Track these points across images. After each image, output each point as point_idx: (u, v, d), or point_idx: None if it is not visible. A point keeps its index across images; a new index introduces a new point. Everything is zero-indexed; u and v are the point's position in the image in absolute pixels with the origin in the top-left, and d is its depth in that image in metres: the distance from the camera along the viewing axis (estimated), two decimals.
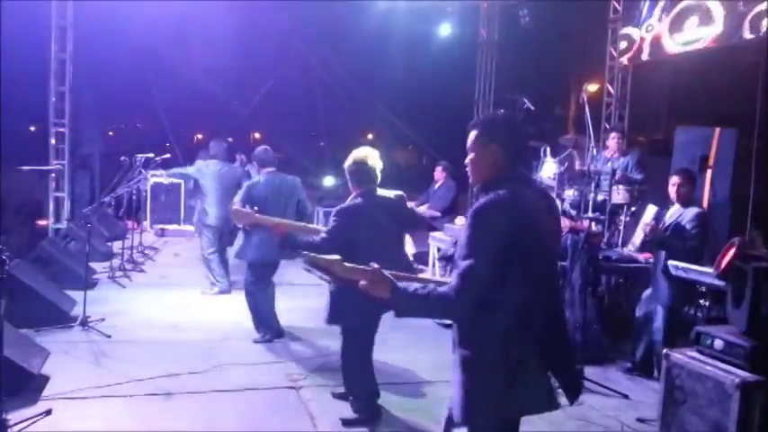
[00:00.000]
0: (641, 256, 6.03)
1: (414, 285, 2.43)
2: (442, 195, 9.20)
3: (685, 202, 5.25)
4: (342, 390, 4.62)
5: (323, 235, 4.12)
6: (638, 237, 5.43)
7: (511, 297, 2.37)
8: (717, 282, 4.10)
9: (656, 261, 5.29)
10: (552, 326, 2.49)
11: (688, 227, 5.10)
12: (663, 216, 5.27)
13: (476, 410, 2.44)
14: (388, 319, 4.35)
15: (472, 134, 2.60)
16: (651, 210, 5.33)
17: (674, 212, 5.26)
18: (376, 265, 2.47)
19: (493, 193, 2.43)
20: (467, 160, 2.62)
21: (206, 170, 7.71)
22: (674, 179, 5.30)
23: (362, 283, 2.46)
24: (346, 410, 4.44)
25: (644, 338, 5.44)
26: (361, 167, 4.28)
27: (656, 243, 5.20)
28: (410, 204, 9.36)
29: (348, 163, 4.32)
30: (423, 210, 9.25)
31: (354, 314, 4.14)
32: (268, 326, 6.06)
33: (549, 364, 2.48)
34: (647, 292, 5.49)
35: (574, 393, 2.56)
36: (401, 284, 2.42)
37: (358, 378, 4.38)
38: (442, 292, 2.35)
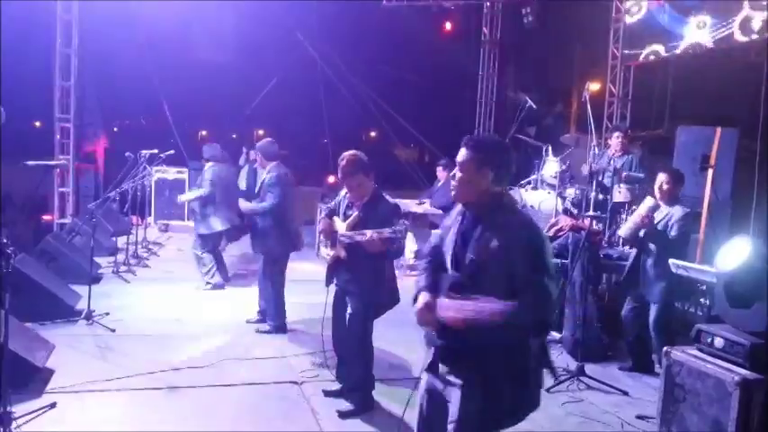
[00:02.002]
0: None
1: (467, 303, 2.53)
2: (444, 193, 9.26)
3: (669, 200, 5.30)
4: (334, 387, 4.67)
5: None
6: (628, 226, 5.44)
7: None
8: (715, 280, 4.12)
9: (645, 256, 5.32)
10: None
11: (676, 225, 5.16)
12: (657, 208, 5.30)
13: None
14: (387, 314, 4.41)
15: (465, 153, 2.65)
16: (649, 202, 5.35)
17: (662, 210, 5.29)
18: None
19: (520, 218, 2.65)
20: (455, 175, 2.68)
21: (206, 177, 7.68)
22: (661, 177, 5.35)
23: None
24: (344, 405, 4.49)
25: (635, 335, 5.48)
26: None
27: (649, 236, 5.23)
28: (413, 201, 9.48)
29: (362, 160, 4.29)
30: (425, 206, 9.31)
31: (375, 299, 4.28)
32: (278, 316, 6.16)
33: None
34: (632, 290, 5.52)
35: None
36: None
37: (360, 365, 4.43)
38: (524, 315, 2.48)
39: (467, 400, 2.57)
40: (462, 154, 2.66)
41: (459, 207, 2.81)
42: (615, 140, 7.47)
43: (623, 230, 5.49)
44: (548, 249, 2.57)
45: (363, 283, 4.28)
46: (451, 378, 2.66)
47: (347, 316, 4.41)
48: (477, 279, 2.58)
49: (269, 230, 6.08)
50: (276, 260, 6.20)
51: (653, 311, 5.28)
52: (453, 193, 2.71)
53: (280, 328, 6.15)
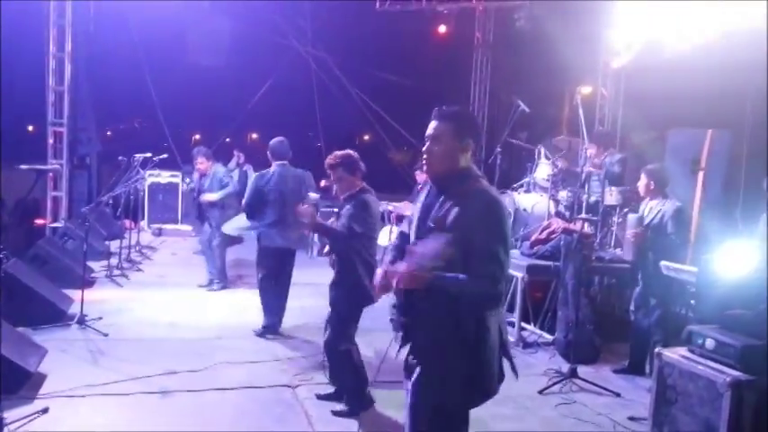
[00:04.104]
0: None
1: (448, 274, 2.44)
2: None
3: (656, 196, 5.38)
4: (329, 391, 4.67)
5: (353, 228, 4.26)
6: (628, 248, 5.52)
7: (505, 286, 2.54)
8: None
9: (645, 260, 5.35)
10: None
11: (669, 223, 5.22)
12: (642, 221, 5.35)
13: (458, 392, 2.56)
14: (382, 316, 4.42)
15: (442, 124, 2.60)
16: (632, 217, 5.45)
17: (653, 207, 5.36)
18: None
19: (487, 191, 2.54)
20: (428, 149, 2.61)
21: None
22: (642, 178, 5.47)
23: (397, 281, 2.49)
24: (338, 407, 4.50)
25: (641, 339, 5.51)
26: (360, 161, 4.44)
27: (651, 246, 5.27)
28: (407, 204, 9.50)
29: (346, 158, 4.40)
30: (403, 205, 9.32)
31: (346, 301, 4.36)
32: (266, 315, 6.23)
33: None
34: (637, 290, 5.56)
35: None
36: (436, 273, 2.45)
37: (347, 367, 4.45)
38: (482, 286, 2.43)
39: (420, 383, 2.59)
40: (437, 126, 2.61)
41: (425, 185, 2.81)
42: (591, 150, 7.54)
43: (627, 255, 5.59)
44: (507, 221, 2.54)
45: (335, 283, 4.41)
46: (413, 360, 2.67)
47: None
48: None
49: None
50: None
51: (655, 313, 5.32)
52: (427, 166, 2.64)
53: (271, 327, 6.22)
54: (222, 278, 7.94)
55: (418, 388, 2.61)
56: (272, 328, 6.17)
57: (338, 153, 4.47)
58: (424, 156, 2.62)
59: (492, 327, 2.53)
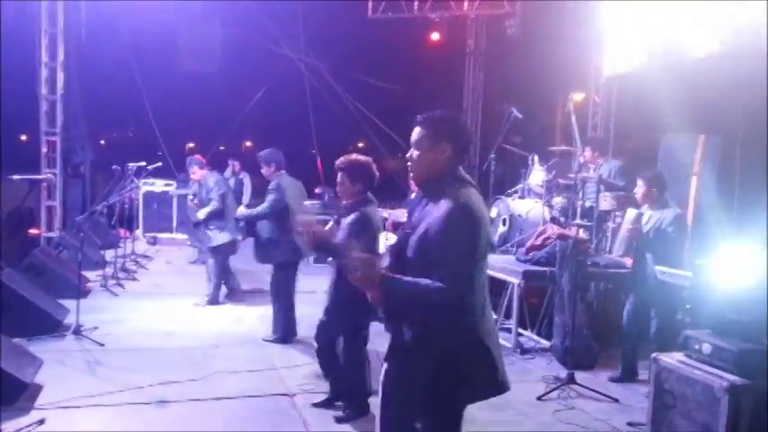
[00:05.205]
0: (629, 262, 6.11)
1: (405, 278, 2.41)
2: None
3: (654, 204, 5.37)
4: (323, 398, 4.65)
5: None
6: (619, 241, 5.51)
7: (476, 291, 2.45)
8: None
9: (641, 265, 5.36)
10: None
11: (669, 230, 5.22)
12: (641, 218, 5.36)
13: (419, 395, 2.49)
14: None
15: (419, 131, 2.58)
16: (631, 213, 5.42)
17: (653, 215, 5.36)
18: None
19: (454, 195, 2.43)
20: (410, 156, 2.60)
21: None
22: (639, 184, 5.44)
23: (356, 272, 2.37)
24: (338, 413, 4.50)
25: (629, 344, 5.52)
26: (369, 171, 4.35)
27: (641, 246, 5.28)
28: (401, 211, 9.46)
29: (353, 164, 4.34)
30: (399, 212, 9.29)
31: (350, 312, 4.28)
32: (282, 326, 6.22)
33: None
34: (628, 306, 5.58)
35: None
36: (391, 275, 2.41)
37: (353, 373, 4.45)
38: (435, 287, 2.33)
39: (386, 374, 2.56)
40: (417, 132, 2.58)
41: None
42: (587, 154, 7.61)
43: (617, 248, 5.56)
44: (467, 226, 2.37)
45: (329, 299, 4.43)
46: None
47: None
48: (405, 259, 2.50)
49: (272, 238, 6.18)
50: (281, 268, 6.24)
51: (654, 322, 5.32)
52: (411, 172, 2.61)
53: (282, 338, 6.19)
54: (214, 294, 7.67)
55: (386, 390, 2.57)
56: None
57: (348, 157, 4.35)
58: (409, 162, 2.62)
59: (461, 332, 2.44)
